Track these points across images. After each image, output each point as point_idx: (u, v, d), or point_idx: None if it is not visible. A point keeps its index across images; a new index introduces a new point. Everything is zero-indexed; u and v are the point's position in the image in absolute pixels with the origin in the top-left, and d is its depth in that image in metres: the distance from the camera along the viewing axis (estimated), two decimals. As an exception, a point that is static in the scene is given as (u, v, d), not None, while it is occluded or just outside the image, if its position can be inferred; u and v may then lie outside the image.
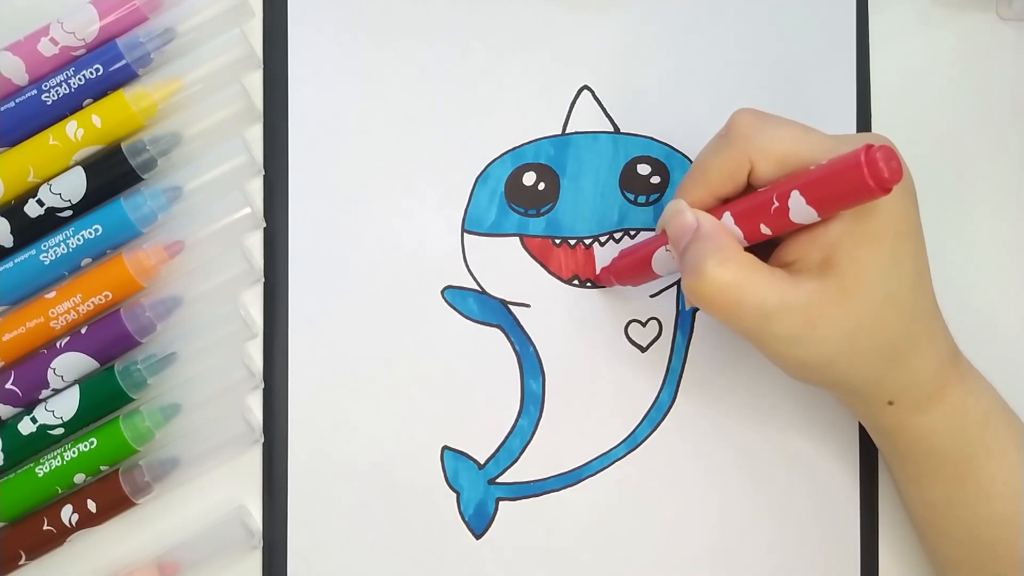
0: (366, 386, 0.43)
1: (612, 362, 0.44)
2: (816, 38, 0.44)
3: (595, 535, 0.43)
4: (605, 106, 0.44)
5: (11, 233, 0.41)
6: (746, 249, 0.36)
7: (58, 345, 0.41)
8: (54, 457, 0.41)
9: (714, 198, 0.38)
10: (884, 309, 0.35)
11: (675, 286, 0.44)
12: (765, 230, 0.36)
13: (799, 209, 0.34)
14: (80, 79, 0.41)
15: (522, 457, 0.43)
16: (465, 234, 0.44)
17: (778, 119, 0.37)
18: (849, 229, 0.35)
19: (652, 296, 0.44)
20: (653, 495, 0.43)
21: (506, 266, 0.44)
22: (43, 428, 0.41)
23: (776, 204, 0.35)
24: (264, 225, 0.43)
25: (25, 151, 0.41)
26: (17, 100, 0.41)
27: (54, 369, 0.41)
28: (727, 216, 0.36)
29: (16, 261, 0.41)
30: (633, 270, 0.41)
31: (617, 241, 0.44)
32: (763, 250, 0.37)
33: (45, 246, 0.41)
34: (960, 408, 0.37)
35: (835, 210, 0.34)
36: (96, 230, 0.41)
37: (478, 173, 0.44)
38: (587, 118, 0.44)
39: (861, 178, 0.32)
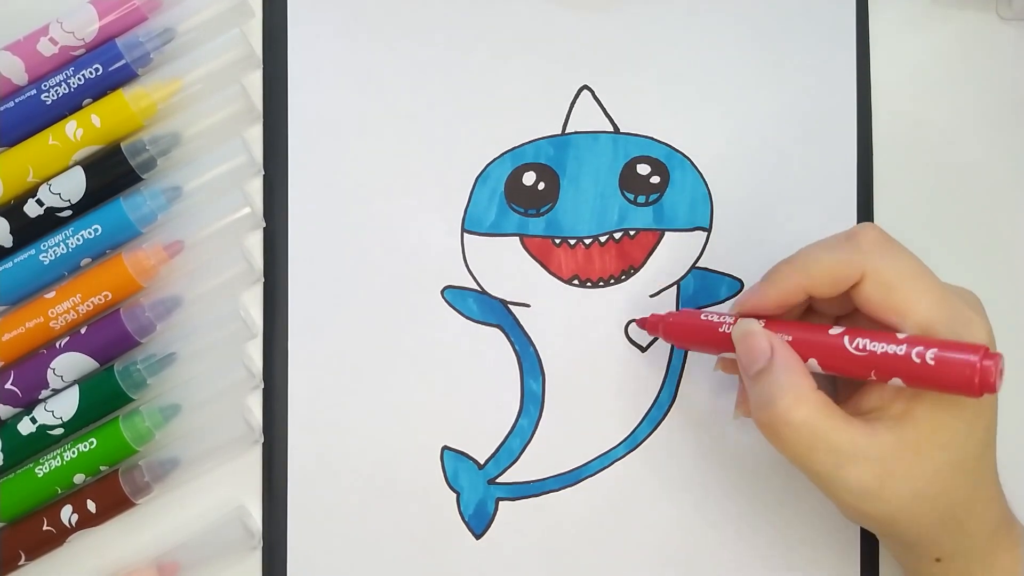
0: (366, 386, 0.43)
1: (612, 362, 0.43)
2: (816, 38, 0.44)
3: (595, 535, 0.43)
4: (605, 106, 0.44)
5: (10, 233, 0.41)
6: (814, 374, 0.35)
7: (58, 345, 0.41)
8: (54, 457, 0.41)
9: (803, 292, 0.36)
10: (951, 474, 0.35)
11: (675, 286, 0.44)
12: (846, 373, 0.35)
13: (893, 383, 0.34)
14: (80, 79, 0.41)
15: (522, 457, 0.43)
16: (465, 234, 0.44)
17: (902, 247, 0.36)
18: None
19: (652, 296, 0.44)
20: (653, 495, 0.43)
21: (506, 266, 0.44)
22: (43, 428, 0.41)
23: (872, 379, 0.34)
24: (264, 225, 0.43)
25: (25, 151, 0.41)
26: (17, 100, 0.41)
27: (54, 369, 0.41)
28: (812, 362, 0.35)
29: (16, 261, 0.41)
30: (688, 340, 0.41)
31: (617, 241, 0.44)
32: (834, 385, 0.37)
33: (45, 246, 0.41)
34: (1010, 574, 0.37)
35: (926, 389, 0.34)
36: (96, 230, 0.41)
37: (478, 173, 0.44)
38: (587, 118, 0.44)
39: (970, 382, 0.32)
